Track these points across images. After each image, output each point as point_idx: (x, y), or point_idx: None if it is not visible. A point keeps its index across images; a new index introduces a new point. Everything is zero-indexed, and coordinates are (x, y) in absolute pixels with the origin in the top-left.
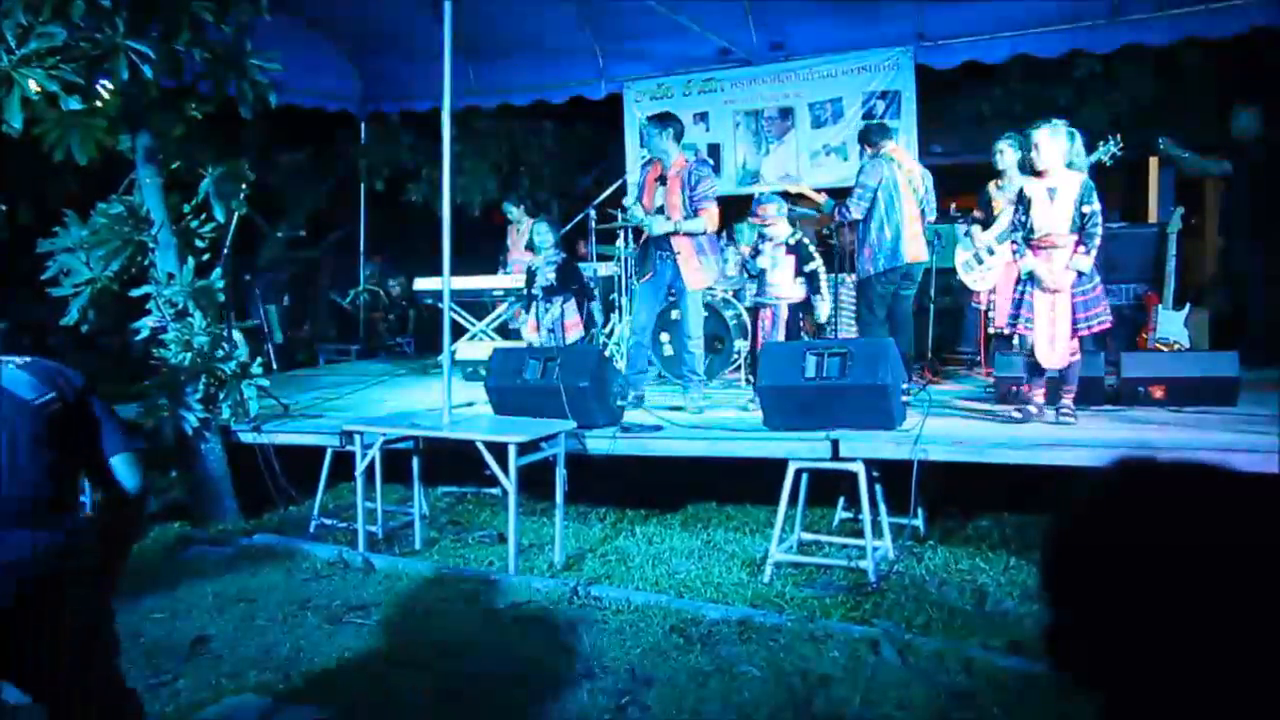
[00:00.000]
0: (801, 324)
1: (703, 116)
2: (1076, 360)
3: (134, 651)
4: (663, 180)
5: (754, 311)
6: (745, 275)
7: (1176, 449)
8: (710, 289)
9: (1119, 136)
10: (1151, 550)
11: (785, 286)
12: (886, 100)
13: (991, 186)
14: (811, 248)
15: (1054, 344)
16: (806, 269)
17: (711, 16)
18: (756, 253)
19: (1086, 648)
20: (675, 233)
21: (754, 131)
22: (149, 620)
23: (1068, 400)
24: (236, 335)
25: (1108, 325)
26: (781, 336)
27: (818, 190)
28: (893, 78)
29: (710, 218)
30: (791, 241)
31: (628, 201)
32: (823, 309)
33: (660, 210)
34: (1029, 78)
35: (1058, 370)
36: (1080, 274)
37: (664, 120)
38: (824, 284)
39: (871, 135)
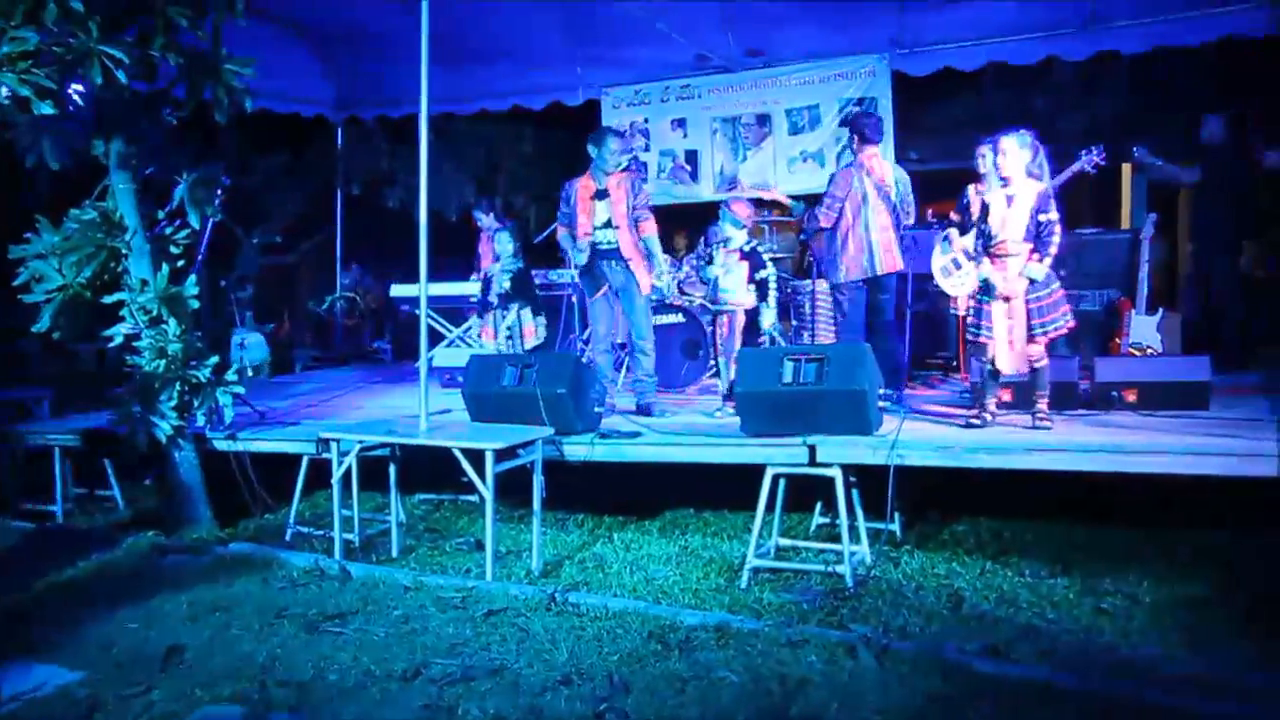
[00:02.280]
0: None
1: (680, 123)
2: (1045, 365)
3: (106, 662)
4: (599, 195)
5: (712, 318)
6: (698, 281)
7: (1149, 452)
8: (688, 296)
9: (1100, 146)
10: None
11: (738, 293)
12: (863, 107)
13: (970, 190)
14: (765, 256)
15: (1012, 349)
16: (758, 276)
17: (689, 24)
18: (709, 260)
19: None
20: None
21: (731, 138)
22: (122, 630)
23: (1042, 405)
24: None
25: (1065, 330)
26: (738, 343)
27: (792, 197)
28: (869, 84)
29: (653, 229)
30: (746, 249)
31: (566, 238)
32: (766, 318)
33: (607, 224)
34: (1005, 85)
35: (1024, 376)
36: (1033, 280)
37: (605, 134)
38: (772, 293)
39: (862, 126)
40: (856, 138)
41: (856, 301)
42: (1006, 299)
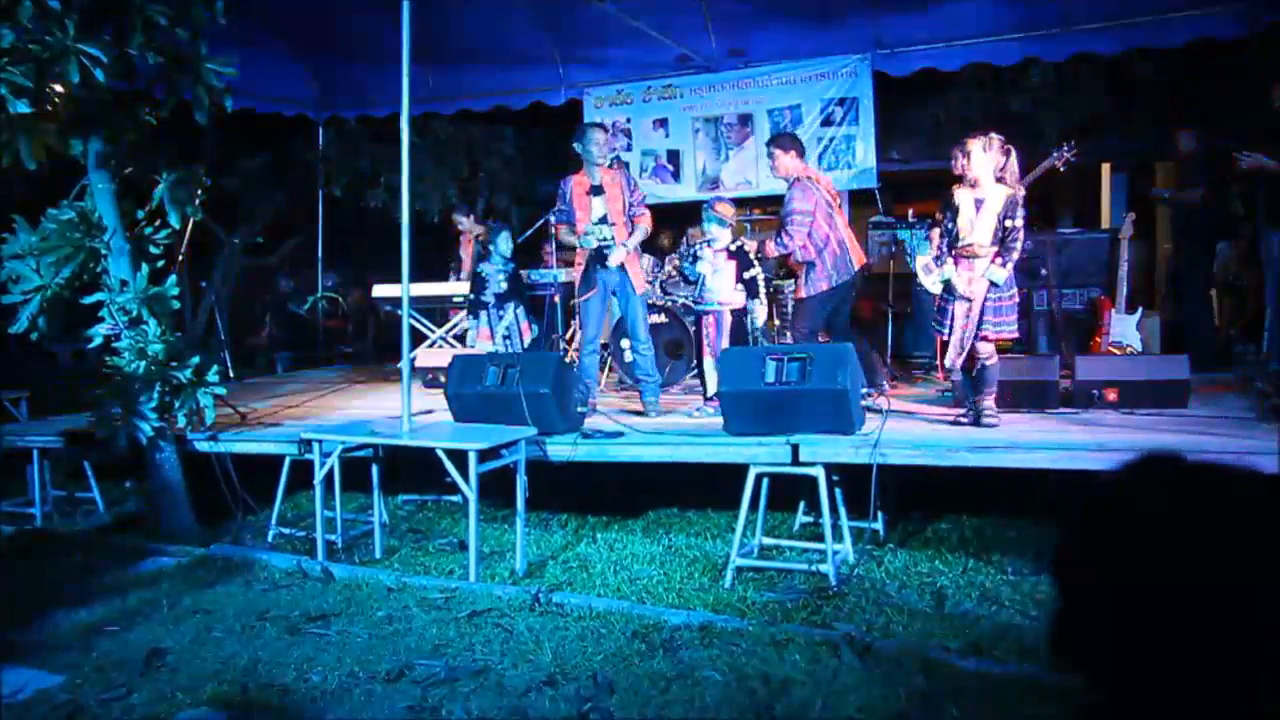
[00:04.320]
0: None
1: (662, 123)
2: (994, 364)
3: (86, 665)
4: (595, 191)
5: (697, 318)
6: (684, 281)
7: (1130, 450)
8: (671, 296)
9: (1073, 142)
10: (1172, 546)
11: (725, 292)
12: (844, 107)
13: (954, 191)
14: (752, 254)
15: (962, 346)
16: (746, 275)
17: (671, 23)
18: (696, 258)
19: (1098, 644)
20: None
21: (713, 138)
22: (102, 633)
23: (988, 403)
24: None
25: (1009, 338)
26: (726, 343)
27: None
28: (851, 84)
29: (648, 222)
30: (733, 248)
31: (568, 234)
32: (760, 313)
33: (603, 219)
34: (984, 85)
35: (973, 372)
36: (994, 283)
37: (586, 128)
38: (762, 290)
39: (784, 142)
40: (794, 152)
41: (826, 311)
42: (968, 299)
